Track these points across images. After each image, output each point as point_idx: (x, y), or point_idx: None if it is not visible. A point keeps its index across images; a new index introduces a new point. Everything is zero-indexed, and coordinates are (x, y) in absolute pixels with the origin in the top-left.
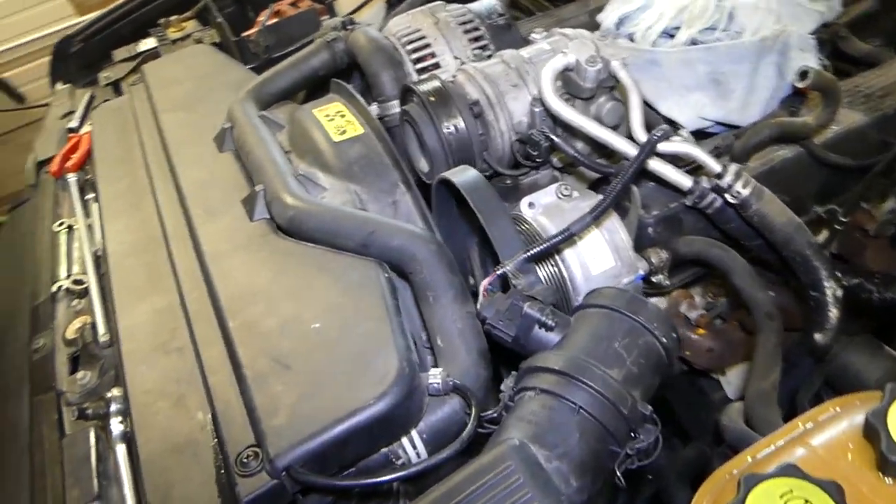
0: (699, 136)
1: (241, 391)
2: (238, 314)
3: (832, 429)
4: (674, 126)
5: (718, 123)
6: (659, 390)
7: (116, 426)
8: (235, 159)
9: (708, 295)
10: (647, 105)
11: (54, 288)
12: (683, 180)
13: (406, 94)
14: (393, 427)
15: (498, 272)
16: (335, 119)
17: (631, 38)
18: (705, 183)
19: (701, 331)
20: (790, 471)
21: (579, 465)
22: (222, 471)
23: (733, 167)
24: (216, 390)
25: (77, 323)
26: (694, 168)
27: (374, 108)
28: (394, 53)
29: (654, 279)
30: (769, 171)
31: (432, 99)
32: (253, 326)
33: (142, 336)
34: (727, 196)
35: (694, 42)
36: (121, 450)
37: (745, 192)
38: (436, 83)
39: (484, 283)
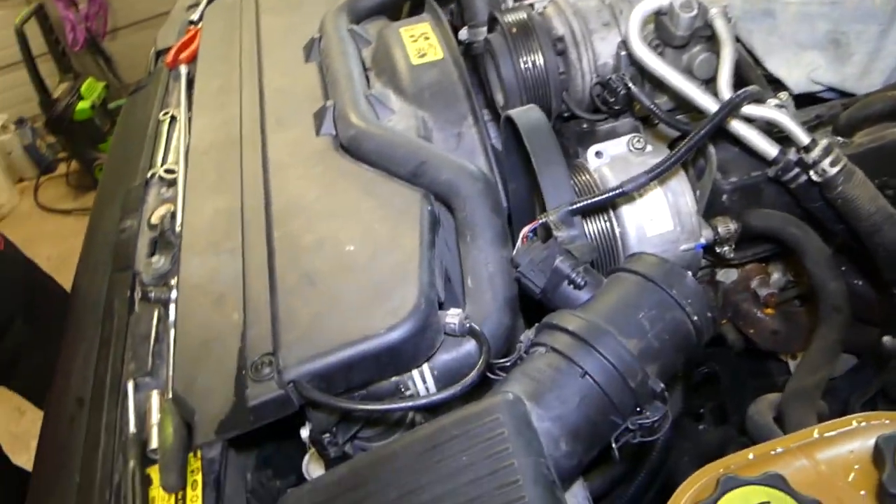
0: (807, 100)
1: (270, 300)
2: (283, 225)
3: (844, 445)
4: (779, 86)
5: (831, 89)
6: (689, 366)
7: (173, 312)
8: (318, 71)
9: (789, 273)
10: (755, 61)
11: (149, 174)
12: (769, 148)
13: (492, 22)
14: (402, 359)
15: (540, 220)
16: (419, 41)
17: None
18: (792, 155)
19: (769, 310)
20: (774, 481)
21: (573, 431)
22: (242, 372)
23: (824, 141)
24: (251, 295)
25: (162, 210)
26: (786, 137)
27: (463, 33)
28: None
29: (718, 250)
30: (877, 150)
31: (514, 31)
32: (293, 239)
33: (201, 233)
34: (811, 173)
35: None
36: (174, 334)
37: (833, 170)
38: (521, 14)
39: (525, 230)
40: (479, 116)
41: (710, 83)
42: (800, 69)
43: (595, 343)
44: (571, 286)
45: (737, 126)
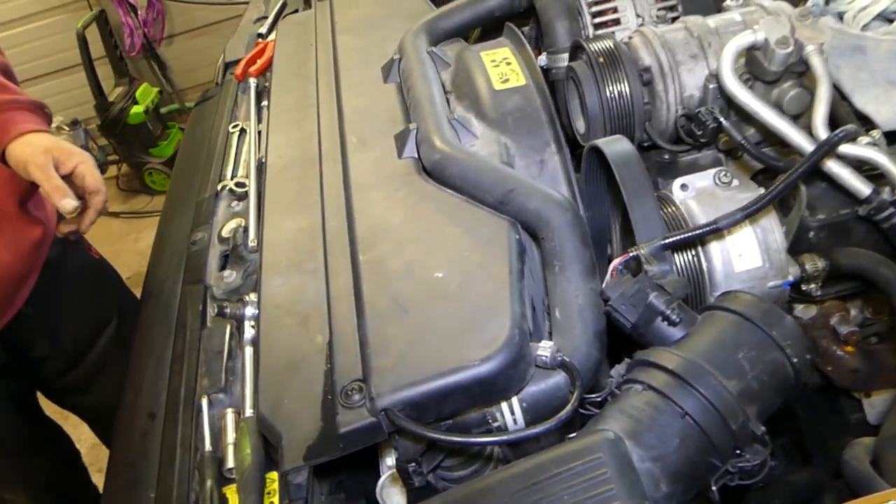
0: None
1: (358, 325)
2: (369, 249)
3: None
4: (867, 124)
5: None
6: (784, 405)
7: (248, 329)
8: (398, 92)
9: (867, 310)
10: (842, 96)
11: (219, 186)
12: (861, 187)
13: (576, 49)
14: (493, 391)
15: (631, 254)
16: (500, 66)
17: (840, 17)
18: (886, 195)
19: (849, 348)
20: None
21: (673, 472)
22: (329, 396)
23: None
24: (337, 318)
25: (232, 223)
26: (877, 175)
27: (542, 59)
28: (573, 3)
29: (804, 287)
30: None
31: (601, 60)
32: (380, 264)
33: (282, 251)
34: None
35: None
36: (248, 352)
37: None
38: (608, 43)
39: (615, 263)
40: (563, 143)
41: (798, 118)
42: (889, 106)
43: (695, 383)
44: (665, 322)
45: (831, 164)
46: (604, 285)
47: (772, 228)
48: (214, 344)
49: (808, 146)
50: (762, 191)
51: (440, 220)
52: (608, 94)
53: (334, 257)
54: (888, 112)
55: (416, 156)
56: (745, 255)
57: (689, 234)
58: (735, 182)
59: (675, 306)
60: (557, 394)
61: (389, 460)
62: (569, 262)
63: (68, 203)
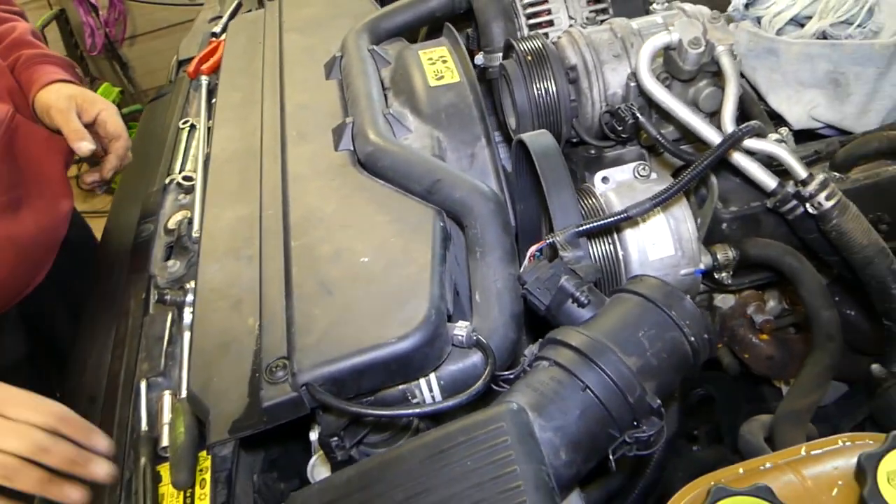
0: (806, 136)
1: (286, 306)
2: (301, 235)
3: (829, 462)
4: (781, 122)
5: (829, 126)
6: (686, 385)
7: (187, 315)
8: (339, 88)
9: (785, 301)
10: (759, 96)
11: (167, 180)
12: (768, 181)
13: (508, 49)
14: (410, 368)
15: (548, 240)
16: (436, 63)
17: (758, 21)
18: (790, 187)
19: (764, 336)
20: (762, 492)
21: (573, 442)
22: (256, 374)
23: (820, 176)
24: (267, 301)
25: (178, 216)
26: (784, 170)
27: (479, 58)
28: (509, 5)
29: (717, 276)
30: (872, 187)
31: (529, 58)
32: (311, 249)
33: (220, 238)
34: (808, 205)
35: (824, 35)
36: (187, 336)
37: (828, 204)
38: (536, 43)
39: (532, 249)
40: (492, 138)
41: (714, 116)
42: (800, 106)
43: (597, 359)
44: (575, 304)
45: (738, 158)
46: (521, 270)
47: (684, 218)
48: (155, 330)
49: (716, 140)
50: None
51: (370, 208)
52: (536, 91)
53: (268, 244)
54: (798, 111)
55: (352, 148)
56: (658, 244)
57: (602, 221)
58: (654, 175)
59: (585, 289)
60: (474, 372)
61: (313, 434)
62: (489, 248)
63: (85, 146)
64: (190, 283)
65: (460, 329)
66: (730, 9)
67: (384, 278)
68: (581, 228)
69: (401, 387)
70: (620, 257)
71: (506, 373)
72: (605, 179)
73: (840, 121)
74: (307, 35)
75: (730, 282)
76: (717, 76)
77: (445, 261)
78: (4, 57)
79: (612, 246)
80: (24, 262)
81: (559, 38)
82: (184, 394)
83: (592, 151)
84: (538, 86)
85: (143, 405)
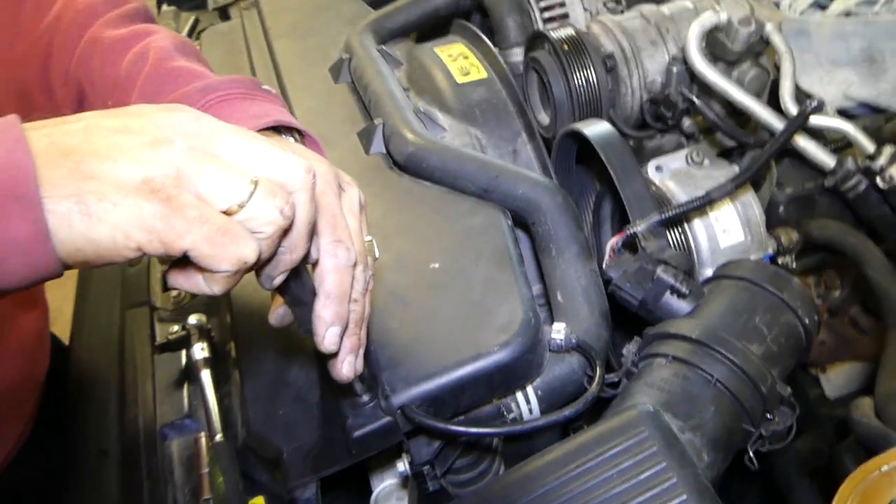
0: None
1: None
2: None
3: None
4: None
5: (864, 105)
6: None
7: (198, 352)
8: (351, 91)
9: (822, 286)
10: None
11: None
12: (826, 159)
13: (535, 40)
14: (513, 378)
15: (628, 232)
16: (458, 60)
17: (777, 6)
18: (850, 164)
19: None
20: None
21: (712, 440)
22: (330, 401)
23: (889, 149)
24: None
25: None
26: (836, 148)
27: None
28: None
29: (780, 260)
30: None
31: (565, 47)
32: None
33: None
34: (878, 179)
35: (848, 15)
36: (205, 374)
37: None
38: (570, 31)
39: (612, 242)
40: (535, 132)
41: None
42: (834, 86)
43: (722, 348)
44: (675, 296)
45: (797, 139)
46: (604, 266)
47: (750, 203)
48: (170, 368)
49: (775, 120)
50: (736, 168)
51: (423, 211)
52: (575, 81)
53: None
54: (833, 91)
55: (385, 151)
56: (729, 231)
57: (685, 207)
58: (707, 161)
59: (683, 278)
60: (572, 377)
61: (401, 465)
62: (565, 244)
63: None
64: (192, 317)
65: (557, 332)
66: None
67: (462, 283)
68: (665, 216)
69: (495, 402)
70: (692, 247)
71: (609, 376)
72: (658, 168)
73: (875, 98)
74: (299, 40)
75: (794, 266)
76: (760, 56)
77: (523, 261)
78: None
79: (682, 236)
80: None
81: (589, 27)
82: (217, 436)
83: (631, 143)
84: (577, 76)
85: (174, 453)
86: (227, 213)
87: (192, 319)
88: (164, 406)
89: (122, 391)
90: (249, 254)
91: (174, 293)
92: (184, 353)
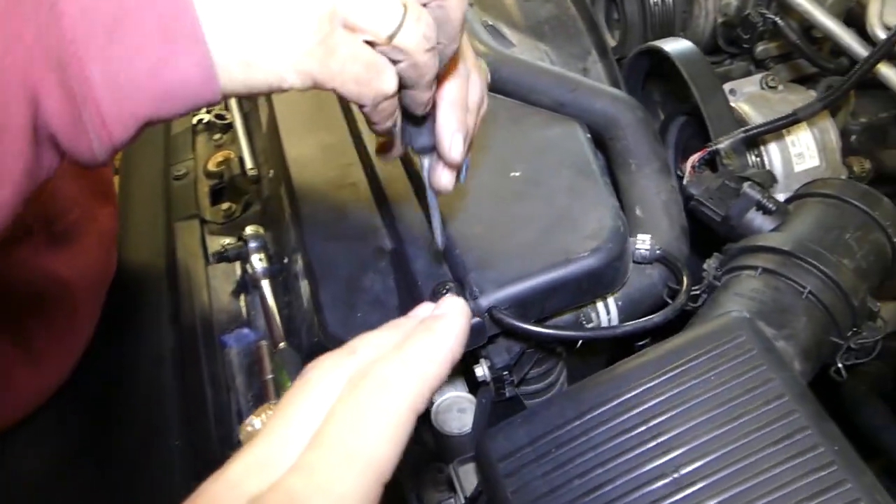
0: None
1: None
2: None
3: None
4: None
5: None
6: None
7: (256, 262)
8: None
9: None
10: None
11: (194, 120)
12: None
13: None
14: (599, 286)
15: (710, 149)
16: None
17: None
18: None
19: None
20: None
21: (805, 350)
22: (412, 302)
23: None
24: (403, 224)
25: (219, 156)
26: None
27: None
28: None
29: None
30: None
31: None
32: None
33: (312, 168)
34: None
35: None
36: (266, 284)
37: None
38: None
39: (693, 159)
40: (607, 50)
41: None
42: None
43: (815, 260)
44: (760, 212)
45: (879, 66)
46: (684, 182)
47: (827, 129)
48: (224, 278)
49: (858, 46)
50: (812, 93)
51: (498, 122)
52: (651, 0)
53: (377, 167)
54: None
55: None
56: (805, 155)
57: (771, 125)
58: (781, 87)
59: (768, 195)
60: (651, 290)
61: (480, 370)
62: (645, 159)
63: None
64: (247, 229)
65: (642, 242)
66: None
67: (545, 191)
68: (750, 133)
69: (573, 312)
70: (768, 170)
71: (693, 288)
72: (732, 92)
73: None
74: None
75: None
76: None
77: (605, 171)
78: None
79: (759, 159)
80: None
81: None
82: (281, 344)
83: None
84: None
85: (235, 360)
86: (373, 43)
87: (249, 230)
88: (220, 315)
89: (176, 301)
90: (389, 88)
91: (224, 206)
92: (238, 264)
